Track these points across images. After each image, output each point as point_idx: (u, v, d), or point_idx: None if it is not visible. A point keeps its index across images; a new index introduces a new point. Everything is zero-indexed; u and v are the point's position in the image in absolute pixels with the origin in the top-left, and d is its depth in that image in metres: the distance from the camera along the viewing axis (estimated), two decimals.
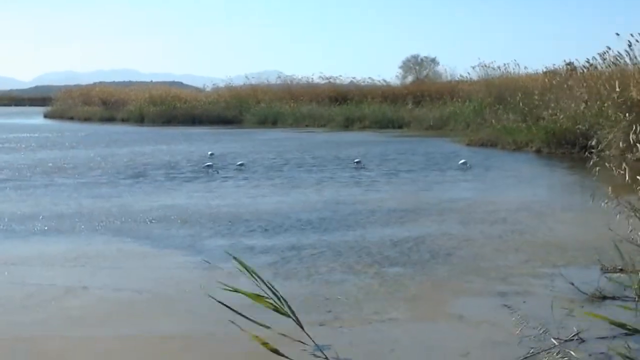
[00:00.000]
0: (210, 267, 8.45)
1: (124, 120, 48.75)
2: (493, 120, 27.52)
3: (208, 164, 18.87)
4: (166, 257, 9.02)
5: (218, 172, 17.75)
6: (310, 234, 10.28)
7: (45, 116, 60.51)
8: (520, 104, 26.66)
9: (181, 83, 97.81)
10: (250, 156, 21.58)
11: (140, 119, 47.70)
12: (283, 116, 43.25)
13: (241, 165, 18.90)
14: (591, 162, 7.84)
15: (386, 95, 43.56)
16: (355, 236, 10.05)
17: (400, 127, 37.38)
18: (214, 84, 58.00)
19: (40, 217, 11.67)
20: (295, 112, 43.12)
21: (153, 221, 11.32)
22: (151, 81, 77.37)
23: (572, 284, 7.16)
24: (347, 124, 39.28)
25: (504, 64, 36.20)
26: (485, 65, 37.18)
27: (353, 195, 14.05)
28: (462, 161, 18.82)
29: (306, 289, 7.48)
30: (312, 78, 50.69)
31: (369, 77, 48.38)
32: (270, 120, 43.44)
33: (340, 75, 49.17)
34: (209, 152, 22.33)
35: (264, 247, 9.37)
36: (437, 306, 6.92)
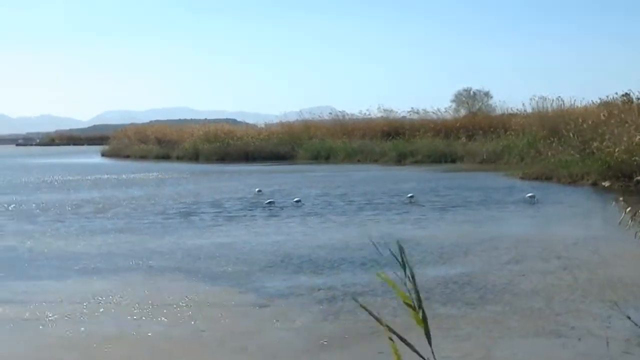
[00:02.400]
0: (263, 305, 8.49)
1: (178, 158, 49.37)
2: (549, 153, 27.20)
3: (270, 200, 18.95)
4: (219, 296, 9.07)
5: (282, 209, 17.83)
6: (361, 271, 10.26)
7: (103, 155, 61.69)
8: (575, 137, 26.34)
9: (235, 120, 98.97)
10: (301, 193, 21.63)
11: (194, 157, 48.27)
12: (335, 151, 43.36)
13: (298, 201, 18.96)
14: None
15: (439, 129, 43.36)
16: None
17: (453, 161, 37.16)
18: (267, 121, 58.52)
19: (93, 257, 11.87)
20: (347, 147, 43.20)
21: (205, 259, 11.42)
22: (205, 119, 78.56)
23: (629, 318, 7.01)
24: (400, 159, 39.18)
25: (558, 97, 35.97)
26: (540, 98, 36.99)
27: (405, 232, 13.98)
28: (529, 194, 18.54)
29: (356, 326, 7.45)
30: (365, 112, 50.74)
31: (423, 109, 48.05)
32: (322, 156, 43.60)
33: (393, 110, 49.01)
34: (257, 189, 22.38)
35: (315, 285, 9.37)
36: (489, 345, 6.83)
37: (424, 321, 2.22)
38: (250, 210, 17.95)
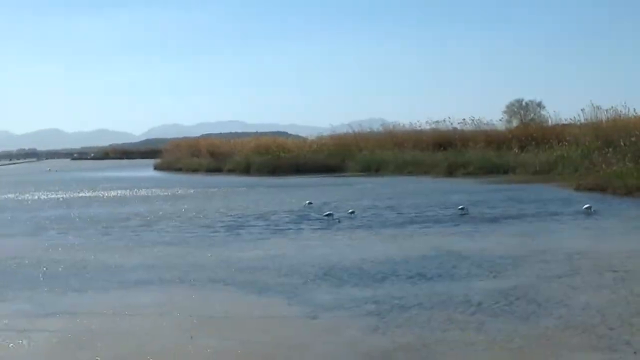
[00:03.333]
0: (311, 317, 8.45)
1: (230, 171, 49.65)
2: (603, 164, 26.72)
3: (328, 212, 18.83)
4: (267, 308, 9.06)
5: (339, 221, 17.80)
6: (411, 284, 10.15)
7: (155, 168, 62.49)
8: (630, 147, 25.85)
9: (286, 133, 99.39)
10: (351, 205, 21.48)
11: (246, 170, 48.48)
12: (386, 163, 43.19)
13: (352, 213, 18.90)
14: None
15: (490, 140, 42.87)
16: (457, 287, 9.86)
17: (505, 172, 36.62)
18: (318, 133, 58.69)
19: (140, 269, 11.96)
20: (398, 159, 43.00)
21: (252, 271, 11.41)
22: (256, 132, 79.19)
23: None
24: (451, 170, 38.76)
25: (612, 107, 35.38)
26: (594, 108, 36.45)
27: (456, 244, 13.81)
28: (586, 206, 18.21)
29: (405, 340, 7.35)
30: (416, 124, 50.44)
31: (478, 118, 47.29)
32: (373, 168, 43.47)
33: (444, 120, 48.49)
34: (307, 202, 22.35)
35: (365, 298, 9.29)
36: None
37: None
38: (299, 223, 17.91)
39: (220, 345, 7.45)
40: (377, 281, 10.37)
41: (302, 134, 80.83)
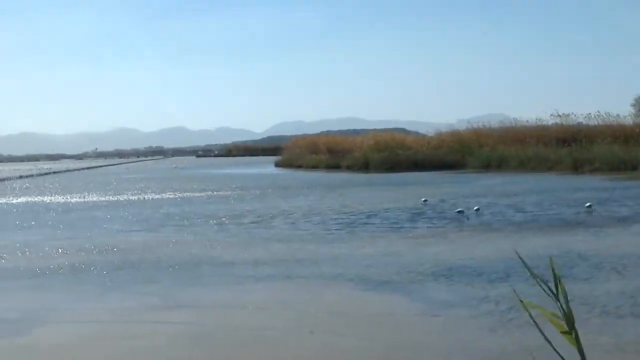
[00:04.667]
0: (430, 315, 8.34)
1: (348, 168, 49.85)
2: None
3: (459, 210, 18.73)
4: (385, 304, 9.02)
5: (468, 219, 17.61)
6: (529, 284, 9.84)
7: (276, 165, 63.48)
8: None
9: (404, 129, 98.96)
10: (470, 202, 21.15)
11: (364, 166, 48.57)
12: (507, 159, 42.31)
13: (477, 210, 18.66)
14: None
15: (617, 134, 41.28)
16: (579, 288, 9.50)
17: (634, 168, 35.16)
18: (437, 130, 58.13)
19: (253, 265, 12.13)
20: (520, 155, 42.02)
21: (369, 268, 11.37)
22: (375, 129, 79.20)
23: None
24: (576, 166, 37.57)
25: None
26: None
27: (581, 243, 13.32)
28: None
29: (526, 341, 7.14)
30: (538, 119, 49.12)
31: (604, 113, 45.71)
32: (494, 164, 42.68)
33: (569, 114, 47.00)
34: (423, 199, 22.16)
35: (482, 297, 9.11)
36: None
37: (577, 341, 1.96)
38: (414, 220, 17.70)
39: (340, 341, 7.48)
40: (492, 281, 10.13)
41: (421, 130, 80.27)
